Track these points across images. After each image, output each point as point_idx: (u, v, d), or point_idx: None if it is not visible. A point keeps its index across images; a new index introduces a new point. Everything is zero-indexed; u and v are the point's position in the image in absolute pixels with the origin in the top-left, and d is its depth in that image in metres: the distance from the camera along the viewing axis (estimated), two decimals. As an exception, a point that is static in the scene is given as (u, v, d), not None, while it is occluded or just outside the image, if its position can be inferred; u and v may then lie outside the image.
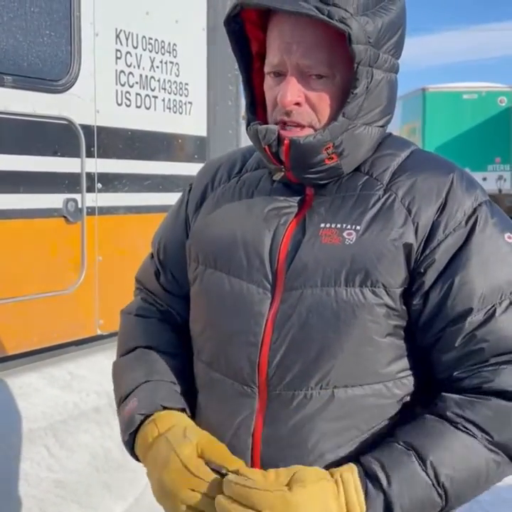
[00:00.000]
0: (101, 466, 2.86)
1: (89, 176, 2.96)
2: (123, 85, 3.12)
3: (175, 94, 3.40)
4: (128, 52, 3.13)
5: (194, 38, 3.49)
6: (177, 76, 3.39)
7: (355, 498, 1.15)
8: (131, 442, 1.35)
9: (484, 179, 16.95)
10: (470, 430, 1.20)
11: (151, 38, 3.24)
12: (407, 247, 1.23)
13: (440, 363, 1.26)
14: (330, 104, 1.25)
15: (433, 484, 1.18)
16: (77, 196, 2.91)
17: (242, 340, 1.29)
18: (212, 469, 1.22)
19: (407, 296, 1.26)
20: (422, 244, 1.24)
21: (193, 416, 1.38)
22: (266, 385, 1.27)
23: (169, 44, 3.35)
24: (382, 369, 1.26)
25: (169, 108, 3.38)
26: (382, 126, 1.30)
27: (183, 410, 1.36)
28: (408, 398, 1.29)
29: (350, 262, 1.23)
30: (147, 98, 3.25)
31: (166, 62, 3.33)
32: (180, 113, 3.46)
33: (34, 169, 2.75)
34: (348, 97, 1.23)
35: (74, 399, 2.78)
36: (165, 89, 3.34)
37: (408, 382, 1.29)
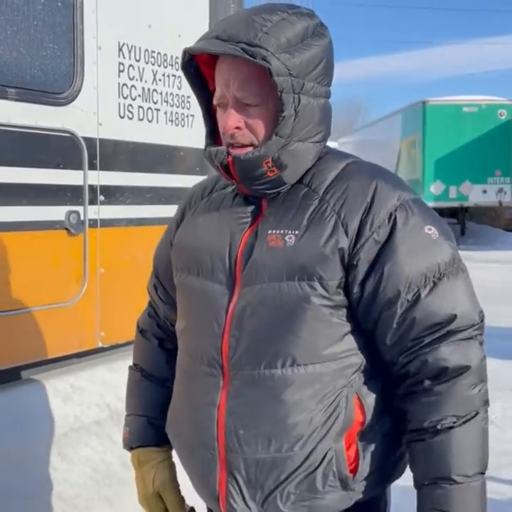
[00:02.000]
0: (102, 480, 2.85)
1: (92, 188, 2.96)
2: (125, 98, 3.13)
3: (177, 107, 3.41)
4: (131, 66, 3.15)
5: (196, 51, 3.50)
6: (179, 89, 3.41)
7: None
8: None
9: (484, 191, 16.99)
10: (448, 424, 1.42)
11: (153, 51, 3.26)
12: (338, 246, 1.46)
13: (383, 344, 1.48)
14: (265, 126, 1.48)
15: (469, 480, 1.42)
16: (80, 208, 2.91)
17: (209, 329, 1.54)
18: None
19: (346, 287, 1.48)
20: (353, 242, 1.46)
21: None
22: (228, 366, 1.51)
23: (172, 57, 3.36)
24: (323, 351, 1.47)
25: (171, 121, 3.40)
26: (317, 142, 1.52)
27: (157, 445, 1.75)
28: (356, 373, 1.50)
29: (290, 261, 1.47)
30: (149, 111, 3.26)
31: (168, 75, 3.34)
32: (183, 126, 3.47)
33: (37, 182, 2.76)
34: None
35: (75, 411, 2.77)
36: (167, 102, 3.36)
37: (352, 360, 1.50)
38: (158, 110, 3.31)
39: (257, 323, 1.49)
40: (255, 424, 1.48)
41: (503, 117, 17.10)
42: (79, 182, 2.89)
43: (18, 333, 2.71)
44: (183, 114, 3.45)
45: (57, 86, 2.85)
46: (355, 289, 1.47)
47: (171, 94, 3.37)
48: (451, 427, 1.42)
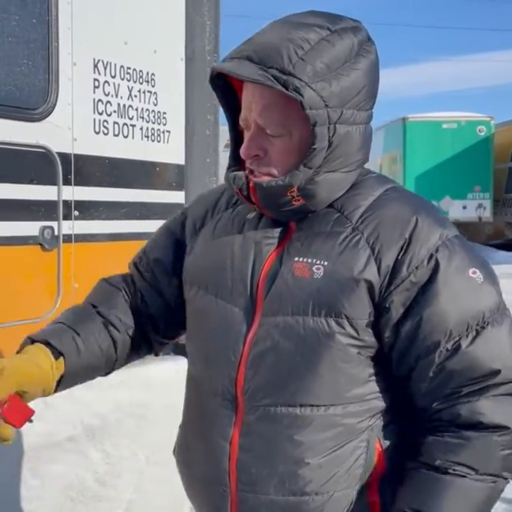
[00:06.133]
0: (76, 497, 2.82)
1: (66, 203, 2.96)
2: (101, 114, 3.14)
3: (153, 122, 3.42)
4: (106, 82, 3.15)
5: (172, 67, 3.53)
6: (155, 105, 3.42)
7: None
8: None
9: (464, 207, 17.10)
10: (460, 471, 1.32)
11: (129, 68, 3.27)
12: (369, 284, 1.34)
13: (417, 392, 1.37)
14: (288, 157, 1.36)
15: None
16: (54, 224, 2.90)
17: (224, 357, 1.42)
18: None
19: (377, 329, 1.37)
20: (386, 282, 1.34)
21: None
22: (243, 399, 1.40)
23: (147, 73, 3.38)
24: (346, 392, 1.37)
25: (147, 136, 3.40)
26: (352, 171, 1.40)
27: (47, 343, 1.49)
28: (377, 416, 1.41)
29: (316, 293, 1.35)
30: (125, 126, 3.27)
31: (144, 92, 3.35)
32: (159, 141, 3.48)
33: (10, 197, 2.75)
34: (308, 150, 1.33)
35: (49, 428, 2.75)
36: (143, 117, 3.37)
37: (375, 404, 1.40)
38: (134, 126, 3.32)
39: (277, 357, 1.37)
40: (269, 464, 1.38)
41: (482, 133, 17.27)
42: (53, 197, 2.89)
43: (-9, 349, 2.69)
44: (159, 129, 3.46)
45: (31, 102, 2.85)
46: (388, 333, 1.36)
47: (147, 110, 3.38)
48: (463, 477, 1.32)
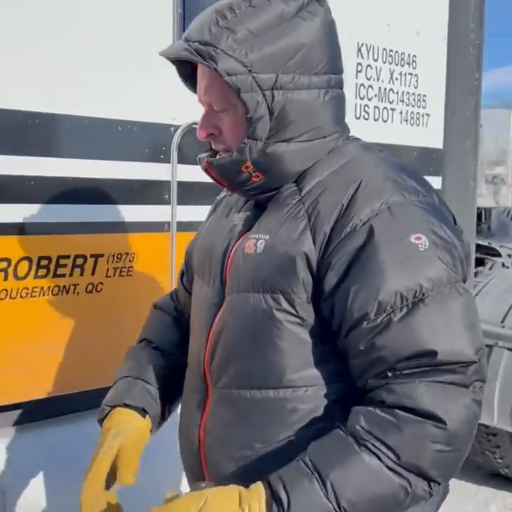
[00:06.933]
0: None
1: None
2: (362, 99, 3.12)
3: (412, 106, 3.34)
4: (368, 65, 3.13)
5: (434, 48, 3.41)
6: (415, 88, 3.33)
7: None
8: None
9: None
10: (378, 449, 1.14)
11: (391, 50, 3.21)
12: (304, 256, 1.25)
13: (354, 370, 1.25)
14: (237, 130, 1.31)
15: (334, 508, 1.13)
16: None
17: (199, 339, 1.42)
18: None
19: (315, 303, 1.26)
20: (321, 251, 1.24)
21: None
22: (209, 380, 1.39)
23: (409, 55, 3.30)
24: (293, 375, 1.27)
25: (406, 120, 3.33)
26: (310, 140, 1.31)
27: (142, 409, 1.48)
28: (321, 409, 1.27)
29: (256, 269, 1.30)
30: (385, 111, 3.23)
31: (405, 74, 3.28)
32: (417, 125, 3.39)
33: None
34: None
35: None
36: (403, 101, 3.30)
37: (334, 388, 1.28)
38: (393, 110, 3.26)
39: (226, 336, 1.35)
40: (226, 448, 1.34)
41: None
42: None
43: None
44: (418, 113, 3.38)
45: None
46: (324, 305, 1.25)
47: (407, 93, 3.30)
48: (378, 458, 1.14)
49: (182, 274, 1.69)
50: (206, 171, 1.39)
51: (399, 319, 1.18)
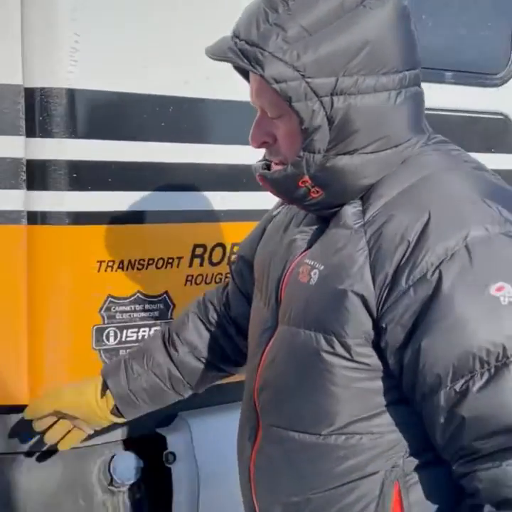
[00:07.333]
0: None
1: None
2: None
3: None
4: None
5: None
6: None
7: None
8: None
9: None
10: None
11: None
12: (361, 297, 1.11)
13: (434, 442, 1.12)
14: (293, 140, 1.17)
15: None
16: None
17: (251, 366, 1.34)
18: None
19: (379, 348, 1.13)
20: (384, 294, 1.10)
21: None
22: (259, 413, 1.30)
23: None
24: (344, 421, 1.16)
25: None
26: (373, 152, 1.15)
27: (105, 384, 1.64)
28: (398, 456, 1.16)
29: (307, 303, 1.19)
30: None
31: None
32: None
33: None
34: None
35: None
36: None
37: (390, 439, 1.16)
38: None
39: (276, 371, 1.26)
40: (272, 489, 1.28)
41: None
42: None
43: None
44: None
45: (491, 67, 2.78)
46: (391, 360, 1.12)
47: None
48: None
49: (233, 262, 1.69)
50: (261, 183, 1.29)
51: (479, 388, 1.05)
